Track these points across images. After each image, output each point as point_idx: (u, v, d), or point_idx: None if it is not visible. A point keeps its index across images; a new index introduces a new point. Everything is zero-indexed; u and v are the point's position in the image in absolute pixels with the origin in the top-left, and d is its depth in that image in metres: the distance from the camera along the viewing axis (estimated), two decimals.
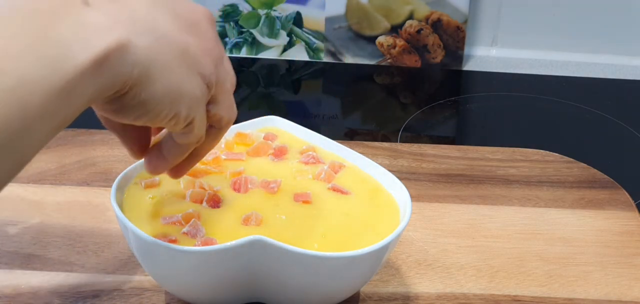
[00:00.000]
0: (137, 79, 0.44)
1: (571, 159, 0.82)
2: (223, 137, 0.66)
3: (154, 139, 0.56)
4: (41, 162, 0.78)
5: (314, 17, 1.09)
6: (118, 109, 0.46)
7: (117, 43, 0.42)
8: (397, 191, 0.61)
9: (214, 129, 0.53)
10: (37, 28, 0.39)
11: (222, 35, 1.09)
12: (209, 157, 0.64)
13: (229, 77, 0.53)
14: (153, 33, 0.45)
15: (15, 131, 0.38)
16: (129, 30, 0.43)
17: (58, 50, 0.40)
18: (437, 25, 1.08)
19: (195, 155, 0.55)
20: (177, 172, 0.56)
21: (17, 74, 0.38)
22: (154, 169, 0.54)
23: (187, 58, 0.47)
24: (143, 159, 0.55)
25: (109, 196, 0.58)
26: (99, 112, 0.49)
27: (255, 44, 1.10)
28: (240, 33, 1.09)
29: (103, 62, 0.41)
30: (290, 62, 1.10)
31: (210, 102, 0.51)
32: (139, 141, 0.55)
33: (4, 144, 0.38)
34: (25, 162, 0.40)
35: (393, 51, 1.10)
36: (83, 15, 0.42)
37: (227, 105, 0.53)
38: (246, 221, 0.58)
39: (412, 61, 1.10)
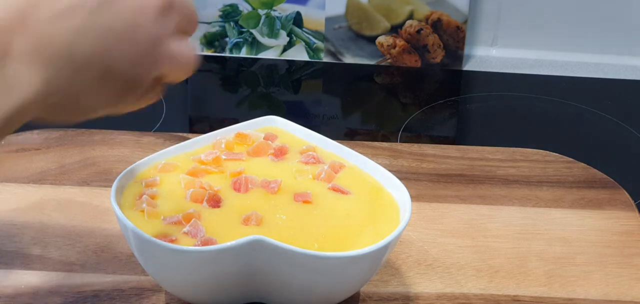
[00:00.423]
0: (55, 109, 0.45)
1: (571, 159, 0.82)
2: (224, 139, 0.66)
3: None
4: (41, 162, 0.78)
5: (314, 17, 1.09)
6: (43, 120, 0.46)
7: (30, 100, 0.43)
8: (397, 191, 0.61)
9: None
10: None
11: (222, 35, 1.09)
12: (208, 157, 0.64)
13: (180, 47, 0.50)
14: (72, 64, 0.44)
15: None
16: (47, 74, 0.43)
17: None
18: (437, 25, 1.08)
19: None
20: None
21: None
22: None
23: (114, 73, 0.46)
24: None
25: (109, 196, 0.58)
26: None
27: (255, 44, 1.10)
28: (240, 33, 1.09)
29: (13, 119, 0.43)
30: (290, 62, 1.10)
31: (161, 76, 0.50)
32: None
33: None
34: None
35: (393, 51, 1.10)
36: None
37: (177, 66, 0.50)
38: (246, 221, 0.58)
39: (412, 61, 1.10)
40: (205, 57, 1.09)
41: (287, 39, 1.10)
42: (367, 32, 1.09)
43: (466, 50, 1.12)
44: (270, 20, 1.09)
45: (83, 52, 0.45)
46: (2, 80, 0.42)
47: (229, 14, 1.09)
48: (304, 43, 1.10)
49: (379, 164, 0.64)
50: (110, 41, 0.46)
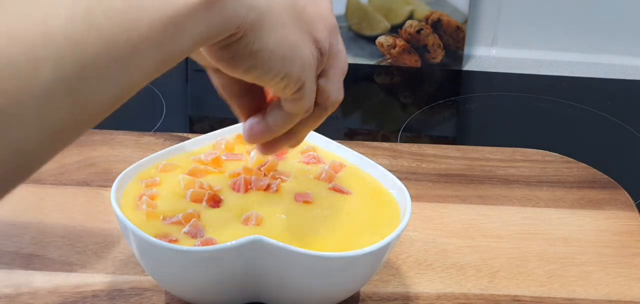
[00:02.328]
0: (250, 26, 0.43)
1: (571, 159, 0.82)
2: (224, 139, 0.66)
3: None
4: None
5: None
6: (229, 58, 0.45)
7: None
8: (397, 191, 0.61)
9: (319, 108, 0.52)
10: None
11: None
12: (208, 157, 0.64)
13: (342, 56, 0.52)
14: None
15: (121, 51, 0.38)
16: None
17: None
18: (437, 25, 1.08)
19: (294, 134, 0.53)
20: (269, 148, 0.54)
21: None
22: (252, 136, 0.53)
23: (302, 18, 0.47)
24: (243, 124, 0.53)
25: (109, 196, 0.58)
26: (212, 63, 0.48)
27: None
28: None
29: (216, 2, 0.41)
30: None
31: (322, 75, 0.50)
32: (254, 112, 0.53)
33: (110, 63, 0.38)
34: (133, 89, 0.40)
35: (393, 51, 1.10)
36: None
37: (336, 83, 0.52)
38: (246, 221, 0.58)
39: (412, 61, 1.10)
40: None
41: None
42: (367, 32, 1.09)
43: (466, 50, 1.12)
44: None
45: None
46: None
47: None
48: None
49: (379, 164, 0.64)
50: None
